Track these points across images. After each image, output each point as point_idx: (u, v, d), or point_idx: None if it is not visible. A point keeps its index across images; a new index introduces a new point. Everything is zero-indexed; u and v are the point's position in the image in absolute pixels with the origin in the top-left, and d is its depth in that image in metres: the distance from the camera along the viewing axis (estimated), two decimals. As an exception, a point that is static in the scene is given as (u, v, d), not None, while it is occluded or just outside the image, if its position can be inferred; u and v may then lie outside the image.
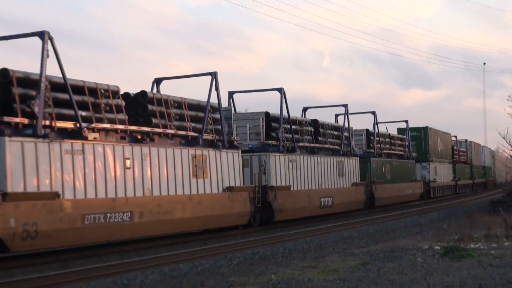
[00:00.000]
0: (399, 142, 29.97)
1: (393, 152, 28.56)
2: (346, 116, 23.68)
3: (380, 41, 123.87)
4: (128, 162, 12.63)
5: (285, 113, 19.74)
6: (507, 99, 26.60)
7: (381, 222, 20.75)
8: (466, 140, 45.14)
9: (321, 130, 22.42)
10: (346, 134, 23.72)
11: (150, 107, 13.87)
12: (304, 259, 10.40)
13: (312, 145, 21.61)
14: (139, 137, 13.36)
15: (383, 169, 25.11)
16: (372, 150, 25.47)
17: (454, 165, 38.49)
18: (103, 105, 12.46)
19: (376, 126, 26.24)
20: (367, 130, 25.28)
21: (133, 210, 12.40)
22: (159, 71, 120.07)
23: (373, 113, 24.56)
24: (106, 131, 12.34)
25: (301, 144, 20.78)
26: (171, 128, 14.31)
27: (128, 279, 8.31)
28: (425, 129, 32.67)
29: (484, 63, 68.71)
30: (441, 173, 34.33)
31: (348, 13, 70.03)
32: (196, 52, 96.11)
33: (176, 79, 19.10)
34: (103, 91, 12.43)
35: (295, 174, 19.81)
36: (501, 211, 16.67)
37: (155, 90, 16.63)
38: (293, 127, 20.07)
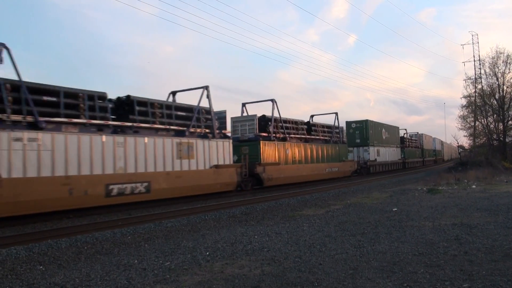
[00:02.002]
0: (325, 129, 32.91)
1: (305, 136, 29.45)
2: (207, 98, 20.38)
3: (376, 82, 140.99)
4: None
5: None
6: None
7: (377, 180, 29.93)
8: (417, 133, 62.37)
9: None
10: (208, 116, 21.11)
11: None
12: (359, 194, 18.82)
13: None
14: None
15: (282, 152, 26.13)
16: (265, 134, 25.38)
17: (403, 148, 51.72)
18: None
19: (275, 113, 25.83)
20: (263, 116, 26.03)
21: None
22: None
23: (272, 100, 25.58)
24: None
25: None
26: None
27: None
28: (366, 121, 39.94)
29: (444, 103, 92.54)
30: (385, 154, 43.67)
31: None
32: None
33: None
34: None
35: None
36: (453, 172, 29.34)
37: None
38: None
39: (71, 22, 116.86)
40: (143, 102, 17.57)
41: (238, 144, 24.31)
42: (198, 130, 19.97)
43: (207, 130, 20.44)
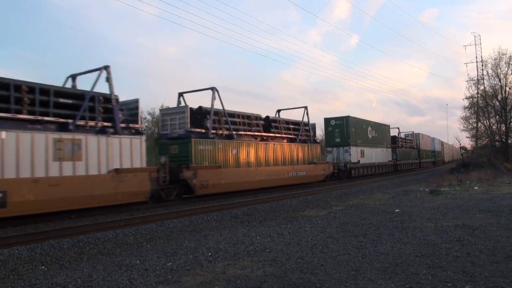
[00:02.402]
0: (291, 126, 28.00)
1: (261, 134, 24.43)
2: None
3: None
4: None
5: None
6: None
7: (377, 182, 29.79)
8: (413, 132, 57.70)
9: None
10: (109, 105, 16.79)
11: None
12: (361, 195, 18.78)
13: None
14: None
15: (226, 152, 21.19)
16: (201, 130, 20.57)
17: (395, 149, 47.31)
18: None
19: (217, 104, 21.30)
20: (199, 107, 21.09)
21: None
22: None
23: (213, 89, 20.74)
24: None
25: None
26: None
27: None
28: (347, 118, 35.08)
29: (447, 104, 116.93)
30: (372, 155, 39.08)
31: None
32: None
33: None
34: None
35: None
36: (455, 173, 29.26)
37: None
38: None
39: (72, 23, 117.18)
40: (3, 84, 13.34)
41: (166, 142, 20.29)
42: (91, 123, 15.45)
43: (106, 124, 16.04)
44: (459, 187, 20.63)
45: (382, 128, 44.06)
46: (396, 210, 13.02)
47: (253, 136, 24.03)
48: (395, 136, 50.18)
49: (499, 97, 44.21)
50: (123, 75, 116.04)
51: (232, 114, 22.82)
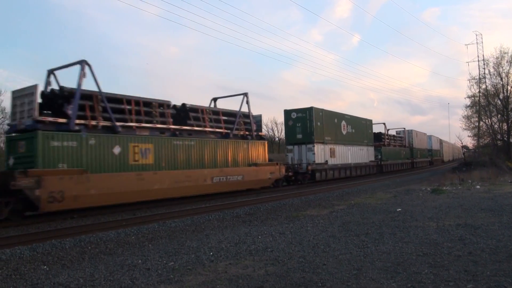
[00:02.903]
0: (221, 117, 22.30)
1: (168, 126, 18.76)
2: None
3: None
4: None
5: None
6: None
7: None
8: (404, 129, 52.54)
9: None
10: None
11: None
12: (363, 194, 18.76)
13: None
14: None
15: (102, 151, 15.49)
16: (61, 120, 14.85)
17: (380, 148, 41.49)
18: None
19: (86, 83, 15.83)
20: (61, 89, 15.59)
21: None
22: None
23: (81, 63, 15.31)
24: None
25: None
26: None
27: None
28: (310, 110, 28.68)
29: (448, 103, 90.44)
30: (346, 155, 33.31)
31: None
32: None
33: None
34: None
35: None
36: (457, 172, 29.29)
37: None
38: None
39: (75, 23, 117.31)
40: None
41: (15, 137, 15.06)
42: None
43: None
44: (461, 186, 20.59)
45: (361, 123, 37.57)
46: (398, 209, 13.00)
47: (156, 129, 18.41)
48: (380, 133, 44.14)
49: (501, 96, 44.17)
50: (124, 75, 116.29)
51: (116, 99, 17.02)
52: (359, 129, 36.62)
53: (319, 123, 29.62)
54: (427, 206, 13.56)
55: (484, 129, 50.62)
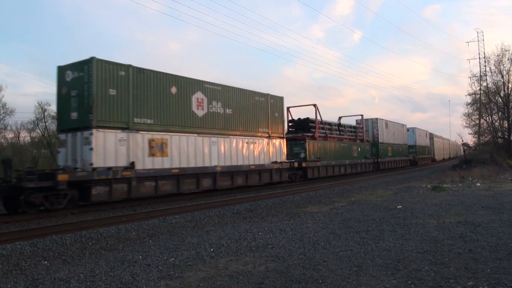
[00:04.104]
0: None
1: None
2: None
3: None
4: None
5: None
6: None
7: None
8: (361, 116, 39.04)
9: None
10: None
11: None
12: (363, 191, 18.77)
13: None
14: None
15: None
16: None
17: (304, 141, 28.60)
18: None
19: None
20: None
21: None
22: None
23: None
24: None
25: None
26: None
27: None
28: (89, 63, 14.75)
29: (449, 100, 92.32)
30: (202, 151, 18.97)
31: None
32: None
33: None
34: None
35: None
36: (457, 169, 29.79)
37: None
38: None
39: (75, 19, 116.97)
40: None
41: None
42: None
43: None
44: (461, 184, 20.58)
45: (251, 100, 22.66)
46: (398, 207, 13.00)
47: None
48: (307, 119, 30.26)
49: (502, 93, 44.12)
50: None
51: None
52: (242, 108, 21.92)
53: (112, 91, 15.23)
54: (427, 204, 13.55)
55: (484, 127, 50.60)
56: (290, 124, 30.81)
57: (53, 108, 39.76)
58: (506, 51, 43.24)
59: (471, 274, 5.65)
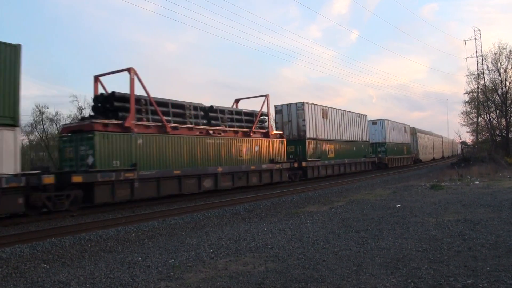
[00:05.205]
0: None
1: None
2: None
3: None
4: None
5: None
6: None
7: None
8: (266, 97, 24.01)
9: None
10: None
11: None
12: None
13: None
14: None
15: None
16: None
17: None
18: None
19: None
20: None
21: None
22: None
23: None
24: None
25: None
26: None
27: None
28: None
29: (447, 99, 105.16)
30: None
31: None
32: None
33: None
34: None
35: None
36: (456, 168, 29.38)
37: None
38: None
39: (71, 20, 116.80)
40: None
41: None
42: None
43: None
44: (460, 182, 20.61)
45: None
46: (397, 205, 13.01)
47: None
48: (113, 93, 16.75)
49: (500, 91, 44.20)
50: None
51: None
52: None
53: None
54: (426, 202, 13.57)
55: (482, 125, 50.71)
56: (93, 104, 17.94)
57: (50, 110, 39.60)
58: (503, 49, 43.34)
59: (470, 272, 5.66)
